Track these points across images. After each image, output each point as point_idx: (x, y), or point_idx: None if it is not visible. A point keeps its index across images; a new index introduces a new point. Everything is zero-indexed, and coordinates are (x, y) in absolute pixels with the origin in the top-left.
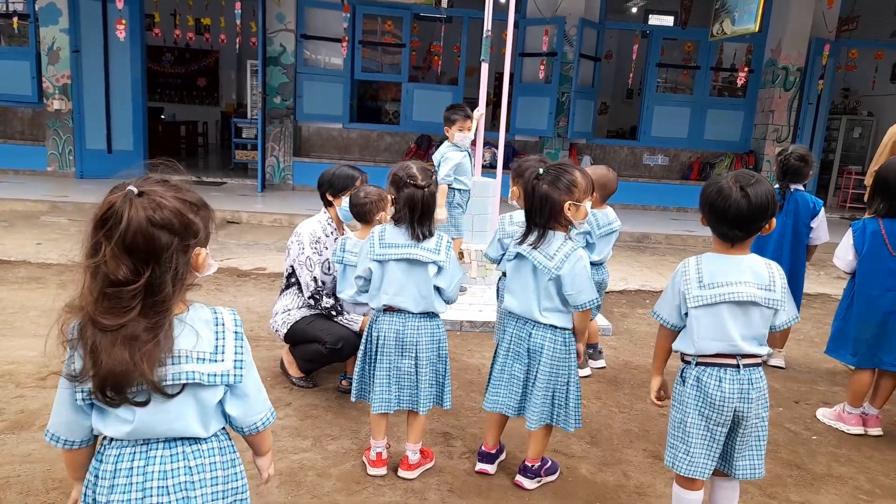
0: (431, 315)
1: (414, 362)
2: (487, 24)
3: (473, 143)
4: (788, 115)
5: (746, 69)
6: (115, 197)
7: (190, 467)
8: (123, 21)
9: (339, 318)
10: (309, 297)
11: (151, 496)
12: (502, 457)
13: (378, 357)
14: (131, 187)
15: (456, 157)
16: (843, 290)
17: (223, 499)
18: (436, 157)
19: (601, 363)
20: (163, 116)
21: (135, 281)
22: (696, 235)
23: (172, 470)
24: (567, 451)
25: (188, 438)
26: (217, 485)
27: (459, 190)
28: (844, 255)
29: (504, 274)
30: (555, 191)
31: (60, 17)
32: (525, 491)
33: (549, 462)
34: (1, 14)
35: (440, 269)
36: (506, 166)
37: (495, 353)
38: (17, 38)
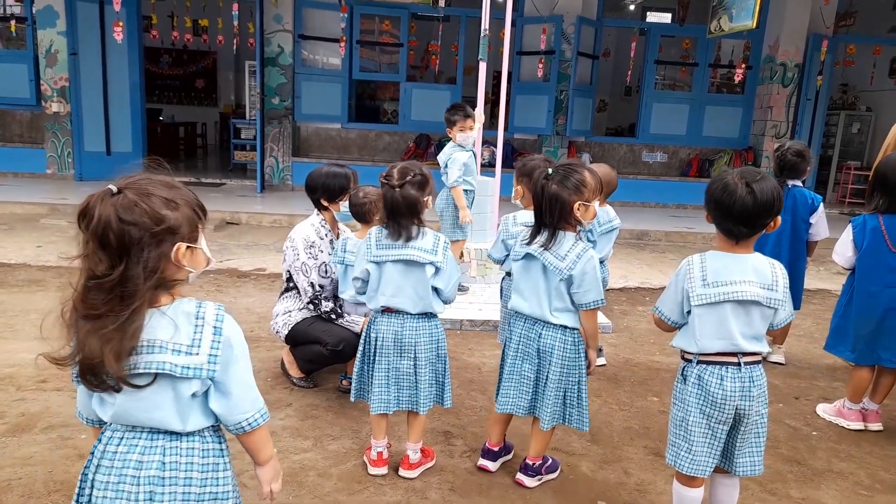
0: (430, 315)
1: (413, 363)
2: (485, 22)
3: (488, 143)
4: (787, 111)
5: (744, 66)
6: (94, 194)
7: (163, 462)
8: (121, 23)
9: (340, 320)
10: (308, 303)
11: (124, 483)
12: (508, 456)
13: (377, 358)
14: (111, 185)
15: (462, 157)
16: (842, 286)
17: (196, 501)
18: (441, 158)
19: (601, 361)
20: (161, 118)
21: (109, 274)
22: (696, 232)
23: (146, 462)
24: (568, 449)
25: (170, 433)
26: (190, 486)
27: (465, 190)
28: (844, 251)
29: (508, 274)
30: (564, 191)
31: (58, 19)
32: (526, 489)
33: (550, 460)
34: None
35: (437, 269)
36: (505, 165)
37: (503, 353)
38: (14, 40)
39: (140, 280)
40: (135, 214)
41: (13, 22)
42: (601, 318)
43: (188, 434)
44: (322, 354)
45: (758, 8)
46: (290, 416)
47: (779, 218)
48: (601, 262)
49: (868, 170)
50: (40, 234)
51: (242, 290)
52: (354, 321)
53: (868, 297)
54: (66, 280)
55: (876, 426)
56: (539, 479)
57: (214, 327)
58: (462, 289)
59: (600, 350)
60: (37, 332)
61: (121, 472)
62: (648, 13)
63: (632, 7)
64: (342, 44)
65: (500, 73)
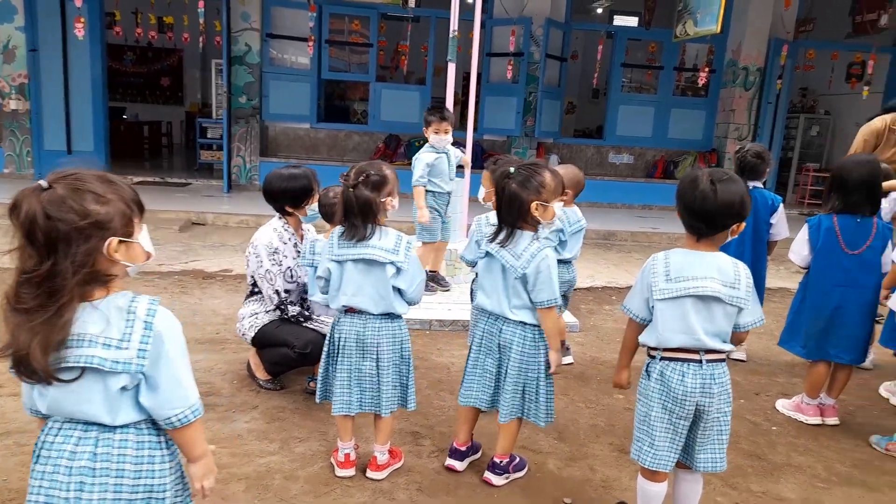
0: (393, 316)
1: (375, 364)
2: (454, 24)
3: (458, 144)
4: (749, 114)
5: (708, 69)
6: (24, 189)
7: (95, 454)
8: (82, 19)
9: (308, 323)
10: (274, 309)
11: (58, 473)
12: (477, 456)
13: (339, 359)
14: (42, 181)
15: (427, 157)
16: (798, 283)
17: (129, 493)
18: (414, 158)
19: (569, 359)
20: (125, 116)
21: (37, 269)
22: (661, 232)
23: (79, 453)
24: (535, 448)
25: (103, 425)
26: (122, 478)
27: (433, 192)
28: (800, 250)
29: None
30: (523, 190)
31: (16, 14)
32: (493, 487)
33: (518, 458)
34: None
35: (399, 269)
36: (475, 165)
37: (469, 349)
38: None
39: (68, 275)
40: (62, 210)
41: None
42: (568, 318)
43: (122, 426)
44: (289, 356)
45: (722, 13)
46: (257, 419)
47: (743, 223)
48: (569, 261)
49: (827, 172)
50: None
51: (208, 292)
52: (322, 323)
53: (820, 296)
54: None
55: (833, 420)
56: (506, 478)
57: (145, 322)
58: (433, 289)
59: (567, 349)
60: None
61: (56, 463)
62: (616, 17)
63: (599, 10)
64: (311, 43)
65: (470, 75)
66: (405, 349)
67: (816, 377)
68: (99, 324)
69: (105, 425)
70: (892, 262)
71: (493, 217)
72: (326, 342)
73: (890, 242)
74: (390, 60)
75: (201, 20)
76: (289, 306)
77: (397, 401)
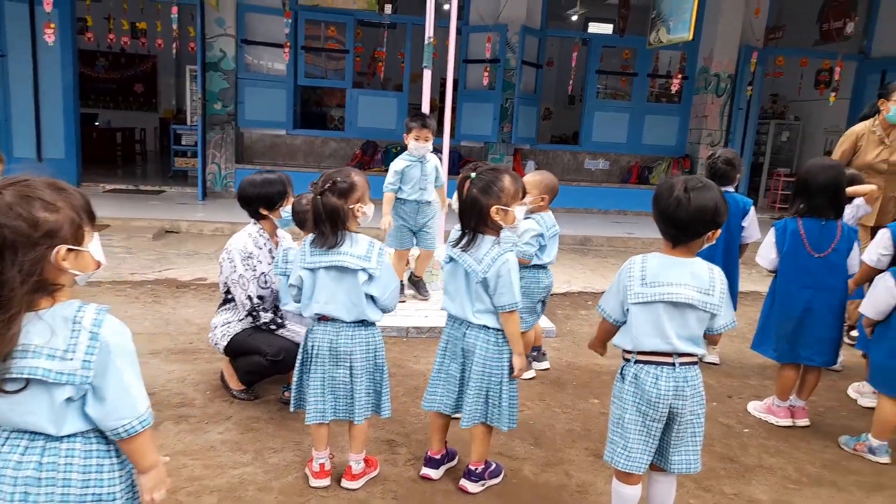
0: (366, 324)
1: (349, 372)
2: (429, 30)
3: (436, 150)
4: (721, 120)
5: (681, 76)
6: None
7: (40, 463)
8: (52, 25)
9: (280, 330)
10: (246, 315)
11: (3, 483)
12: (453, 463)
13: (311, 367)
14: None
15: (398, 164)
16: (769, 287)
17: (77, 503)
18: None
19: (545, 365)
20: (97, 123)
21: None
22: (637, 238)
23: (25, 462)
24: (511, 454)
25: (49, 434)
26: (69, 487)
27: (402, 200)
28: (767, 253)
29: None
30: (483, 195)
31: None
32: (469, 495)
33: (493, 465)
34: None
35: (371, 276)
36: (452, 172)
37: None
38: None
39: (16, 284)
40: (9, 217)
41: None
42: (545, 323)
43: (69, 436)
44: (262, 365)
45: (693, 21)
46: (230, 430)
47: (718, 231)
48: (546, 266)
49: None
50: None
51: (182, 301)
52: (296, 332)
53: (788, 298)
54: None
55: (803, 422)
56: (482, 485)
57: (91, 332)
58: (423, 294)
59: (544, 354)
60: None
61: (2, 473)
62: (590, 24)
63: (574, 18)
64: (286, 49)
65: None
66: (379, 356)
67: (786, 380)
68: (43, 334)
69: (52, 435)
70: (861, 261)
71: None
72: (301, 351)
73: (855, 245)
74: (367, 67)
75: (174, 26)
76: (261, 313)
77: (371, 408)
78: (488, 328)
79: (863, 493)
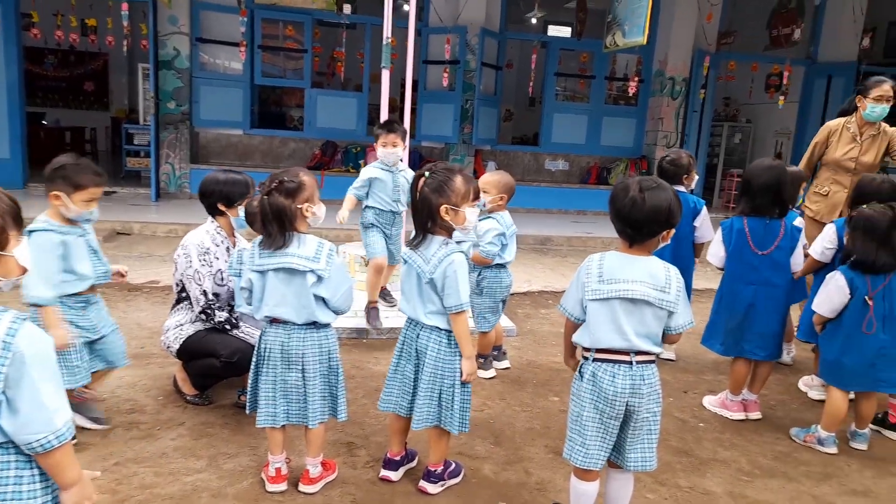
0: (319, 325)
1: (301, 375)
2: (387, 31)
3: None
4: (676, 122)
5: (637, 79)
6: None
7: None
8: None
9: (235, 331)
10: (200, 312)
11: None
12: (412, 464)
13: (263, 370)
14: None
15: (369, 171)
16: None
17: None
18: None
19: (505, 364)
20: (44, 122)
21: None
22: (596, 237)
23: None
24: (471, 453)
25: None
26: None
27: (375, 209)
28: (716, 252)
29: None
30: (433, 194)
31: None
32: (429, 496)
33: (453, 465)
34: None
35: (320, 278)
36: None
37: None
38: None
39: None
40: None
41: None
42: (505, 322)
43: None
44: (215, 367)
45: (647, 25)
46: (183, 436)
47: (672, 230)
48: (505, 265)
49: None
50: None
51: (133, 305)
52: (251, 333)
53: (733, 294)
54: None
55: (755, 415)
56: (442, 485)
57: (4, 342)
58: (390, 301)
59: (504, 353)
60: None
61: None
62: (549, 27)
63: (534, 21)
64: (242, 48)
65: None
66: (333, 359)
67: (738, 374)
68: None
69: None
70: (807, 254)
71: None
72: (255, 354)
73: (799, 243)
74: (326, 67)
75: (125, 23)
76: (216, 311)
77: (327, 412)
78: (440, 329)
79: (812, 483)
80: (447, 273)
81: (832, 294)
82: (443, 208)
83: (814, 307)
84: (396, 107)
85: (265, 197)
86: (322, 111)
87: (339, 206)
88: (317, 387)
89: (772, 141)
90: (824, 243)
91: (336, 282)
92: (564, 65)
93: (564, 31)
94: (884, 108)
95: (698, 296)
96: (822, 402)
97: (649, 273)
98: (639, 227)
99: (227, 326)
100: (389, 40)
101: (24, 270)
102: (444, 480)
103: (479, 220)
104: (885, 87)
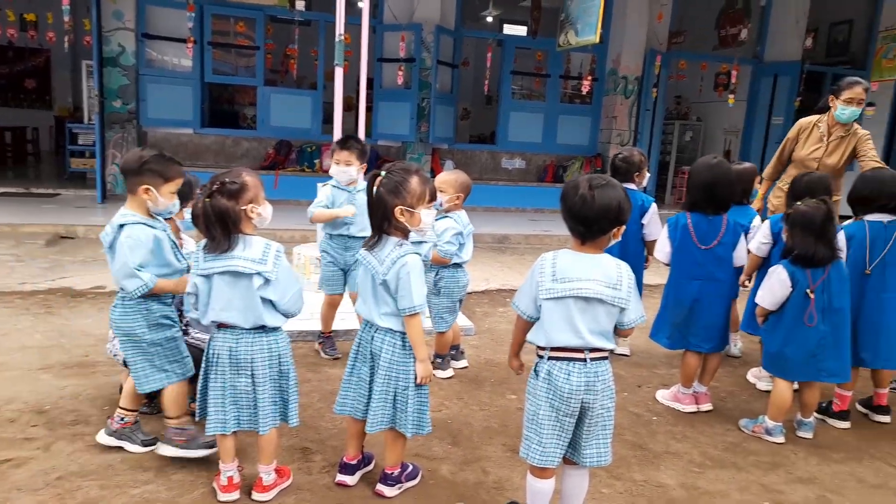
0: (268, 330)
1: (251, 380)
2: (340, 28)
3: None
4: (629, 121)
5: (590, 78)
6: None
7: None
8: None
9: (185, 337)
10: None
11: None
12: (369, 467)
13: (212, 375)
14: None
15: (326, 190)
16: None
17: None
18: None
19: (463, 363)
20: None
21: None
22: (553, 235)
23: None
24: (428, 454)
25: None
26: None
27: (326, 232)
28: (662, 247)
29: None
30: (388, 195)
31: None
32: (386, 499)
33: (410, 467)
34: None
35: (267, 280)
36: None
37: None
38: None
39: None
40: None
41: None
42: (462, 321)
43: None
44: None
45: (600, 24)
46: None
47: (622, 227)
48: (461, 265)
49: None
50: None
51: (77, 311)
52: (201, 338)
53: (679, 289)
54: None
55: (706, 406)
56: (399, 488)
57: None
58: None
59: (462, 352)
60: None
61: None
62: (505, 25)
63: (489, 19)
64: (190, 45)
65: (364, 79)
66: (284, 363)
67: (689, 368)
68: None
69: None
70: (748, 251)
71: None
72: (204, 359)
73: (742, 237)
74: (280, 64)
75: (66, 18)
76: None
77: (278, 417)
78: (394, 331)
79: (761, 472)
80: (401, 275)
81: (774, 287)
82: (398, 209)
83: (757, 300)
84: (352, 105)
85: (207, 199)
86: (276, 110)
87: (293, 207)
88: (267, 392)
89: (721, 139)
90: (760, 238)
91: (284, 284)
92: (520, 63)
93: (520, 30)
94: (853, 111)
95: (651, 291)
96: (770, 392)
97: (602, 271)
98: (589, 224)
99: None
100: (343, 37)
101: None
102: (402, 483)
103: (437, 220)
104: (857, 90)
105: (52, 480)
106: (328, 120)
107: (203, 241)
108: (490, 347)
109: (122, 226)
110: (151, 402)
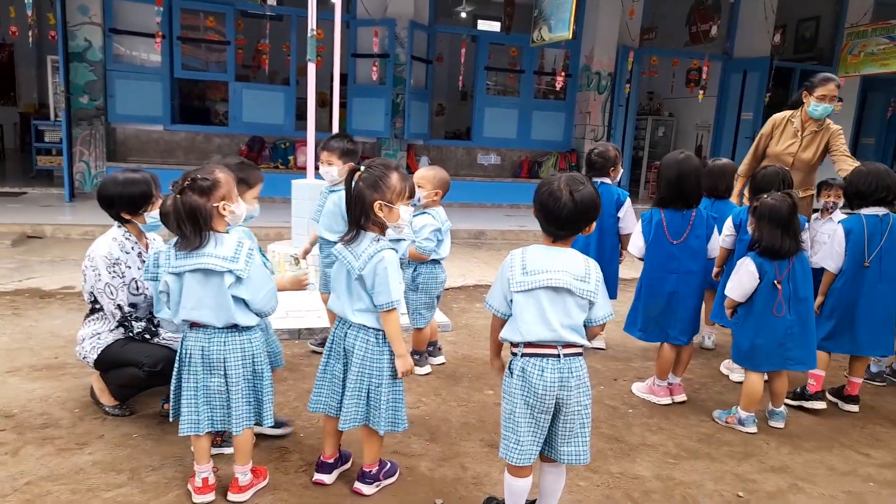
0: (241, 329)
1: (224, 380)
2: (312, 23)
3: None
4: (603, 116)
5: (564, 74)
6: None
7: None
8: None
9: (156, 339)
10: (117, 326)
11: None
12: (346, 466)
13: (184, 375)
14: None
15: (319, 195)
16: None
17: None
18: None
19: (440, 359)
20: None
21: None
22: (529, 230)
23: None
24: (407, 451)
25: None
26: None
27: (323, 239)
28: (636, 242)
29: None
30: (367, 190)
31: None
32: (364, 497)
33: (388, 464)
34: None
35: (239, 278)
36: None
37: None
38: None
39: None
40: None
41: None
42: (440, 317)
43: None
44: (138, 377)
45: (572, 20)
46: (102, 450)
47: (594, 224)
48: (439, 261)
49: None
50: None
51: (46, 312)
52: (173, 339)
53: (654, 283)
54: None
55: (681, 397)
56: (377, 486)
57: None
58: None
59: (439, 349)
60: None
61: None
62: (479, 21)
63: (463, 15)
64: (158, 39)
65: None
66: (258, 362)
67: (664, 360)
68: None
69: None
70: (720, 246)
71: None
72: (177, 359)
73: (715, 230)
74: (251, 59)
75: (29, 12)
76: (134, 322)
77: (252, 417)
78: (367, 328)
79: (734, 462)
80: (377, 270)
81: (743, 279)
82: (377, 204)
83: (726, 292)
84: (326, 101)
85: (178, 196)
86: (248, 105)
87: (268, 204)
88: (240, 392)
89: (693, 134)
90: (725, 231)
91: (256, 282)
92: (494, 59)
93: (494, 26)
94: (826, 108)
95: (627, 285)
96: (742, 383)
97: (571, 263)
98: (571, 226)
99: (147, 336)
100: (315, 32)
101: None
102: (380, 481)
103: (415, 216)
104: (830, 87)
105: (21, 486)
106: (302, 116)
107: (174, 239)
108: (467, 343)
109: (258, 249)
110: (124, 403)
